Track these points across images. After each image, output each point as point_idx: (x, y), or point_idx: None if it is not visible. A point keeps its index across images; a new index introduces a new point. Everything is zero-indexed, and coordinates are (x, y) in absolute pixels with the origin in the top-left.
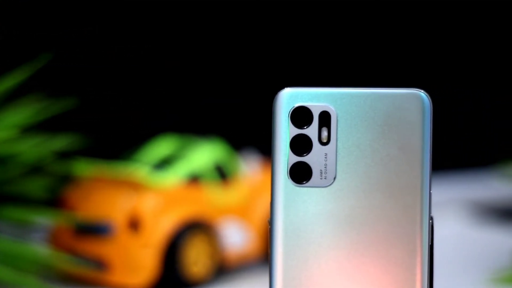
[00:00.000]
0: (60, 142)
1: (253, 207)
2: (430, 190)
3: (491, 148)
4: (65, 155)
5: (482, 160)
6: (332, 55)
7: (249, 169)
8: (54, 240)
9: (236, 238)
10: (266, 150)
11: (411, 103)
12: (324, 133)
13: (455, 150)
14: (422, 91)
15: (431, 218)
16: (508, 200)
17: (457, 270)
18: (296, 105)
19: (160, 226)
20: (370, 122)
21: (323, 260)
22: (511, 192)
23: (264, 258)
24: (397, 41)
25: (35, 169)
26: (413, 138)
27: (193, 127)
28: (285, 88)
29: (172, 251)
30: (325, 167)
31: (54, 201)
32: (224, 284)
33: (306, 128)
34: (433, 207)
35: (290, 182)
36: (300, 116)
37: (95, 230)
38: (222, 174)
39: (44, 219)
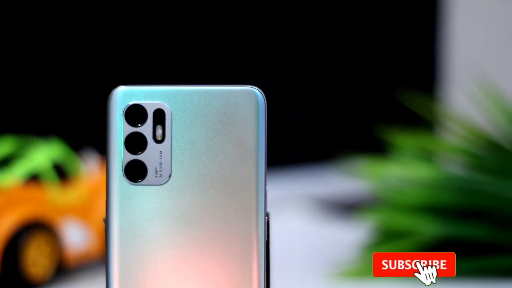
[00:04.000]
0: None
1: (92, 207)
2: (265, 186)
3: (328, 143)
4: None
5: (320, 156)
6: (168, 53)
7: (88, 168)
8: None
9: (76, 238)
10: (104, 149)
11: (245, 100)
12: (159, 131)
13: (294, 146)
14: (256, 88)
15: (267, 215)
16: (347, 195)
17: (297, 266)
18: (130, 103)
19: None
20: (204, 119)
21: (159, 258)
22: (349, 187)
23: (104, 257)
24: (234, 38)
25: None
26: (247, 134)
27: (31, 127)
28: (119, 86)
29: (11, 252)
30: (160, 165)
31: None
32: (64, 284)
33: (141, 126)
34: (274, 204)
35: (125, 181)
36: (135, 114)
37: None
38: (61, 174)
39: None
